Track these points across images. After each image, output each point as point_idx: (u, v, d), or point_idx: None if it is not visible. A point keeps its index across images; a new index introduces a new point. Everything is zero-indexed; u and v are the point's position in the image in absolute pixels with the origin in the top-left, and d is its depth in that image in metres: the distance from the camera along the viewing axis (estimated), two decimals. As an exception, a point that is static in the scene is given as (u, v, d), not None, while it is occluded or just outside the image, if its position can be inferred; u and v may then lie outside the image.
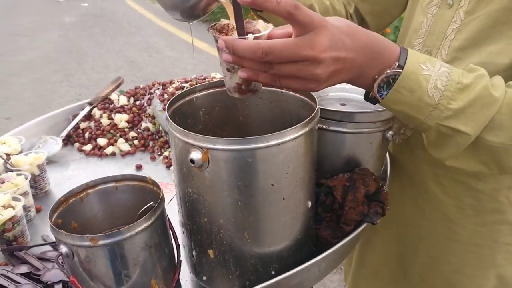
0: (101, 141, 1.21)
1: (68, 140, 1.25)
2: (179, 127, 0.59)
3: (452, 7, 0.72)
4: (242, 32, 0.56)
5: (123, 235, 0.57)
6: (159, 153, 1.17)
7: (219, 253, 0.64)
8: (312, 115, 0.62)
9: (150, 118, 1.23)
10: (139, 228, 0.58)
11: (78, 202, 0.67)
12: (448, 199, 0.81)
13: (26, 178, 0.94)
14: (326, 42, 0.52)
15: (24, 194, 0.91)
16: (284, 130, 0.57)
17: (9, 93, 4.78)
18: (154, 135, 1.22)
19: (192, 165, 0.57)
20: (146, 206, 0.64)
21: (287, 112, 0.75)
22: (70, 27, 7.49)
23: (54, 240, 0.83)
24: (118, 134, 1.23)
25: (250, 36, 0.55)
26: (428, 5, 0.77)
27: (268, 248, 0.64)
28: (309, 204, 0.67)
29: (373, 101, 0.62)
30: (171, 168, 1.11)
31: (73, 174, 1.14)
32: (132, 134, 1.22)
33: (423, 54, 0.60)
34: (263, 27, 0.59)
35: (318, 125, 0.67)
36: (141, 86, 1.36)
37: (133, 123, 1.25)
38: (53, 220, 0.60)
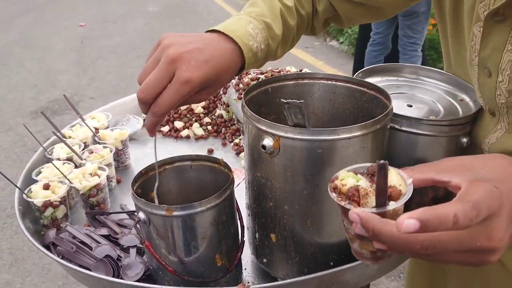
0: (178, 124, 1.28)
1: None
2: (254, 114, 0.62)
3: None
4: (383, 203, 0.45)
5: (195, 209, 0.61)
6: (230, 140, 1.22)
7: (281, 238, 0.67)
8: (385, 112, 0.62)
9: (224, 106, 1.29)
10: (210, 205, 0.63)
11: (154, 176, 0.73)
12: None
13: (111, 151, 1.03)
14: (504, 224, 0.43)
15: (108, 165, 1.01)
16: (356, 125, 0.58)
17: (96, 75, 5.15)
18: (226, 122, 1.28)
19: (264, 150, 0.60)
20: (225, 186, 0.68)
21: (359, 109, 0.76)
22: (154, 16, 7.88)
23: (131, 209, 0.91)
24: (193, 119, 1.30)
25: (392, 204, 0.45)
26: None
27: (329, 239, 0.66)
28: (374, 200, 0.67)
29: None
30: (241, 155, 1.16)
31: (150, 152, 1.22)
32: (207, 119, 1.29)
33: None
34: (398, 181, 0.47)
35: (390, 124, 0.67)
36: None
37: (208, 110, 1.31)
38: (134, 189, 0.66)
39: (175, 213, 0.61)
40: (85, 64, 5.47)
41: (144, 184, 0.70)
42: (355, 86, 0.75)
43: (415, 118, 0.74)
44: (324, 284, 0.67)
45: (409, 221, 0.40)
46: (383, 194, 0.44)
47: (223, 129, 1.27)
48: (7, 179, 0.92)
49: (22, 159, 3.39)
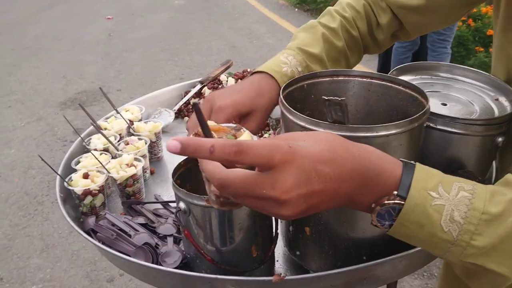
0: (208, 118, 1.31)
1: (179, 114, 1.37)
2: (292, 109, 0.64)
3: None
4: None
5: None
6: (259, 135, 1.24)
7: (315, 232, 0.69)
8: (423, 111, 0.63)
9: (254, 101, 1.30)
10: (248, 197, 0.65)
11: (193, 167, 0.76)
12: None
13: (146, 143, 1.06)
14: (291, 180, 0.44)
15: (143, 156, 1.04)
16: (393, 123, 0.59)
17: (122, 67, 5.24)
18: (256, 117, 1.29)
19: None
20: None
21: (394, 107, 0.76)
22: (179, 10, 7.95)
23: (165, 200, 0.94)
24: (223, 113, 1.32)
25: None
26: None
27: (363, 234, 0.67)
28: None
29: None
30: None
31: (182, 145, 1.25)
32: (236, 114, 1.31)
33: (437, 173, 0.50)
34: (247, 137, 0.55)
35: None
36: (248, 70, 1.43)
37: (238, 104, 1.33)
38: (174, 179, 0.69)
39: (215, 204, 0.63)
40: (112, 57, 5.58)
41: (182, 176, 0.73)
42: (390, 84, 0.76)
43: (450, 116, 0.74)
44: (356, 278, 0.68)
45: (172, 141, 0.43)
46: (205, 129, 0.49)
47: (252, 124, 1.28)
48: (50, 167, 0.97)
49: (52, 148, 3.50)
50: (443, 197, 0.47)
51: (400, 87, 0.75)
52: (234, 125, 0.58)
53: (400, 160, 0.50)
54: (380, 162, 0.49)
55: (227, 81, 1.38)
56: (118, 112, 1.23)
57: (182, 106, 1.38)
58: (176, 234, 0.80)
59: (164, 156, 1.19)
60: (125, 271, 0.79)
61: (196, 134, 0.54)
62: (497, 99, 0.83)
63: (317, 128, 0.60)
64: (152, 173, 1.11)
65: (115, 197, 1.02)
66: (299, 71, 0.80)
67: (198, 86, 1.41)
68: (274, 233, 0.74)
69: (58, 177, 0.97)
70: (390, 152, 0.61)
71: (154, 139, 1.13)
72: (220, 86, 1.38)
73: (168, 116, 1.32)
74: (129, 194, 0.96)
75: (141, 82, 4.76)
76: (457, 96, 0.85)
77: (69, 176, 0.94)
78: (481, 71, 0.86)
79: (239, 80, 1.38)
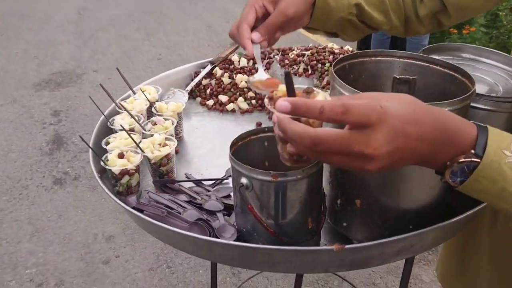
0: (223, 98, 1.32)
1: (190, 94, 1.38)
2: (345, 84, 0.67)
3: None
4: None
5: (296, 176, 0.67)
6: (267, 111, 1.27)
7: (365, 204, 0.73)
8: (472, 90, 0.67)
9: (268, 81, 1.33)
10: (309, 172, 0.68)
11: (243, 145, 0.78)
12: None
13: (173, 123, 1.07)
14: (383, 138, 0.48)
15: (171, 136, 1.05)
16: (449, 101, 0.63)
17: (96, 47, 5.09)
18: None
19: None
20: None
21: (431, 85, 0.81)
22: (152, -12, 7.74)
23: (195, 178, 0.96)
24: (237, 93, 1.34)
25: None
26: None
27: (412, 204, 0.72)
28: (452, 170, 0.73)
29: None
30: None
31: (199, 125, 1.26)
32: (251, 94, 1.33)
33: (507, 135, 0.53)
34: (322, 97, 0.57)
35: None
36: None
37: (252, 84, 1.35)
38: (231, 153, 0.71)
39: (280, 178, 0.66)
40: (85, 36, 5.40)
41: (235, 153, 0.75)
42: (426, 64, 0.80)
43: (483, 95, 0.79)
44: (405, 245, 0.73)
45: (282, 102, 0.48)
46: (292, 92, 0.53)
47: (267, 104, 1.31)
48: (89, 146, 0.96)
49: (31, 131, 3.39)
50: None
51: (437, 67, 0.79)
52: (305, 86, 0.61)
53: (473, 122, 0.54)
54: (457, 124, 0.53)
55: (239, 61, 1.39)
56: (134, 93, 1.23)
57: (194, 86, 1.38)
58: (224, 211, 0.82)
59: (184, 136, 1.20)
60: (181, 248, 0.80)
61: (271, 98, 0.58)
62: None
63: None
64: (176, 152, 1.11)
65: (143, 176, 1.03)
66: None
67: (209, 67, 1.41)
68: (323, 207, 0.78)
69: (91, 157, 0.96)
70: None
71: (177, 119, 1.14)
72: (231, 66, 1.39)
73: (182, 97, 1.32)
74: (162, 173, 0.98)
75: (117, 62, 4.65)
76: (481, 77, 0.90)
77: (105, 156, 0.94)
78: (503, 53, 0.92)
79: (251, 60, 1.39)
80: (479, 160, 0.51)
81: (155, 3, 6.70)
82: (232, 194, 0.92)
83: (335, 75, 0.71)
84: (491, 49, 0.93)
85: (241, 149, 0.77)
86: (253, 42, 0.79)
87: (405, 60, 0.79)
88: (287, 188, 0.68)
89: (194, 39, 5.31)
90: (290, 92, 0.54)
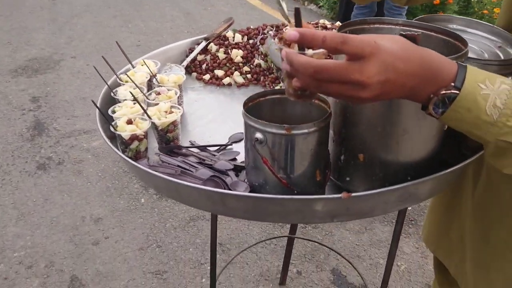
0: (219, 72, 1.36)
1: (186, 70, 1.41)
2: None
3: None
4: (302, 47, 0.61)
5: (309, 129, 0.72)
6: (271, 87, 1.32)
7: (368, 158, 0.79)
8: (464, 51, 0.74)
9: (262, 56, 1.37)
10: (320, 126, 0.74)
11: (253, 106, 0.83)
12: None
13: (176, 94, 1.10)
14: (375, 68, 0.55)
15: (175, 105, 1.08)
16: (451, 57, 0.70)
17: (72, 33, 4.99)
18: (265, 71, 1.37)
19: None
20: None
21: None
22: (126, -26, 7.59)
23: (200, 144, 1.01)
24: (233, 68, 1.38)
25: (309, 52, 0.61)
26: None
27: (410, 157, 0.79)
28: (446, 127, 0.80)
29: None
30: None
31: (198, 97, 1.30)
32: (246, 68, 1.37)
33: (483, 71, 0.62)
34: None
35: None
36: (251, 27, 1.49)
37: (247, 59, 1.40)
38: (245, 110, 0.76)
39: (294, 131, 0.72)
40: (60, 22, 5.28)
41: (248, 112, 0.80)
42: (425, 31, 0.86)
43: (470, 57, 0.86)
44: (405, 194, 0.80)
45: (291, 31, 0.56)
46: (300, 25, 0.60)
47: (261, 78, 1.36)
48: (97, 107, 0.98)
49: (10, 117, 3.34)
50: (488, 88, 0.60)
51: (433, 33, 0.86)
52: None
53: (455, 61, 0.63)
54: (441, 62, 0.61)
55: (233, 37, 1.43)
56: (133, 67, 1.25)
57: (189, 62, 1.42)
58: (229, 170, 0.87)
59: (184, 108, 1.23)
60: (192, 204, 0.85)
61: (280, 38, 0.65)
62: (500, 46, 0.97)
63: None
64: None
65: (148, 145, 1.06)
66: None
67: (204, 43, 1.45)
68: (328, 162, 0.84)
69: (99, 123, 0.99)
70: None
71: (178, 91, 1.17)
72: (226, 42, 1.43)
73: (179, 71, 1.35)
74: (169, 139, 1.01)
75: (95, 48, 4.58)
76: (469, 45, 0.97)
77: (114, 122, 0.97)
78: (488, 23, 0.99)
79: (245, 36, 1.43)
80: (458, 92, 0.59)
81: (131, -10, 6.60)
82: (237, 157, 0.97)
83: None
84: (477, 20, 1.00)
85: (251, 109, 0.81)
86: None
87: (402, 27, 0.85)
88: (299, 141, 0.73)
89: (173, 26, 5.27)
90: (298, 25, 0.61)
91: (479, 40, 0.99)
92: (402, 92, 0.60)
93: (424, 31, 0.86)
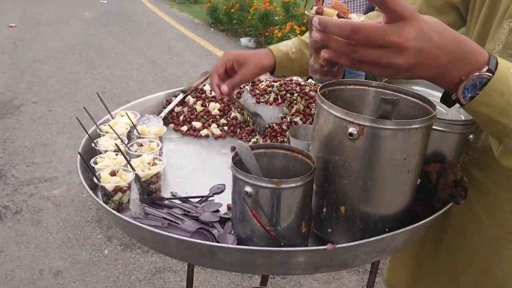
0: (197, 124, 1.40)
1: (163, 121, 1.44)
2: (339, 108, 0.79)
3: None
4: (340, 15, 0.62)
5: (298, 183, 0.76)
6: (247, 139, 1.37)
7: (350, 210, 0.84)
8: (435, 113, 0.82)
9: (239, 109, 1.43)
10: (307, 180, 0.78)
11: (240, 159, 0.86)
12: (506, 214, 0.95)
13: (158, 145, 1.12)
14: (413, 32, 0.55)
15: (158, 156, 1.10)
16: (423, 118, 0.77)
17: (34, 78, 4.94)
18: (241, 124, 1.42)
19: (350, 137, 0.77)
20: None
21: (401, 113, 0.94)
22: (91, 22, 7.68)
23: (182, 196, 1.02)
24: (210, 120, 1.42)
25: (353, 15, 0.64)
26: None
27: (388, 210, 0.84)
28: (419, 181, 0.87)
29: (449, 103, 0.69)
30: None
31: (176, 148, 1.32)
32: (223, 121, 1.42)
33: (508, 62, 0.65)
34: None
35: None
36: (227, 81, 1.55)
37: (224, 112, 1.44)
38: (234, 164, 0.79)
39: (282, 185, 0.75)
40: (21, 67, 5.21)
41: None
42: (396, 93, 0.93)
43: (444, 118, 0.95)
44: (383, 245, 0.84)
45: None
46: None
47: (238, 130, 1.41)
48: (86, 163, 0.98)
49: (-36, 164, 3.19)
50: None
51: (402, 95, 0.94)
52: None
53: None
54: (473, 44, 0.62)
55: (211, 90, 1.49)
56: (112, 117, 1.27)
57: (167, 113, 1.45)
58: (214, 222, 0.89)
59: (164, 159, 1.25)
60: (178, 257, 0.85)
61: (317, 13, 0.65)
62: (460, 107, 1.07)
63: (366, 123, 0.76)
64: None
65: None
66: (293, 52, 1.10)
67: (181, 95, 1.49)
68: (309, 214, 0.87)
69: (81, 175, 0.99)
70: (416, 142, 0.79)
71: (160, 142, 1.19)
72: (203, 95, 1.48)
73: (157, 122, 1.37)
74: (151, 191, 1.02)
75: (58, 94, 4.53)
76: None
77: (97, 174, 0.97)
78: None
79: (222, 90, 1.49)
80: (491, 75, 0.61)
81: (96, 37, 6.66)
82: (219, 208, 0.99)
83: (322, 97, 0.83)
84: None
85: (239, 162, 0.84)
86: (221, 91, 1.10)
87: (376, 88, 0.93)
88: (287, 194, 0.77)
89: (139, 74, 5.32)
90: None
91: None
92: (434, 68, 0.59)
93: (397, 94, 0.94)
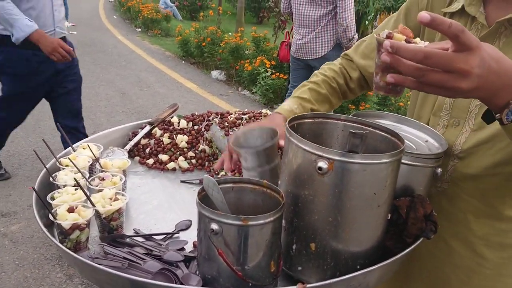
0: (163, 157, 1.36)
1: (128, 154, 1.39)
2: (309, 142, 0.77)
3: None
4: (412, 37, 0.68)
5: (266, 219, 0.73)
6: (216, 172, 1.33)
7: (320, 247, 0.81)
8: (402, 148, 0.81)
9: (207, 142, 1.40)
10: (276, 216, 0.75)
11: (206, 194, 0.83)
12: (477, 239, 0.98)
13: (121, 179, 1.07)
14: (477, 61, 0.62)
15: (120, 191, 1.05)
16: (392, 152, 0.76)
17: None
18: (209, 157, 1.38)
19: (319, 171, 0.75)
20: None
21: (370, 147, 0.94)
22: (60, 53, 7.56)
23: (145, 233, 0.97)
24: (178, 153, 1.38)
25: (421, 42, 0.68)
26: None
27: (359, 246, 0.82)
28: (389, 216, 0.85)
29: (490, 120, 0.75)
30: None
31: (142, 182, 1.27)
32: (191, 154, 1.38)
33: None
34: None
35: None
36: (196, 113, 1.52)
37: (192, 145, 1.41)
38: (200, 201, 0.76)
39: (250, 222, 0.72)
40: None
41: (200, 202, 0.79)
42: (364, 126, 0.93)
43: (413, 152, 0.94)
44: (356, 283, 0.81)
45: (424, 13, 0.60)
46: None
47: (206, 163, 1.37)
48: (41, 199, 0.92)
49: None
50: None
51: (371, 129, 0.93)
52: None
53: None
54: None
55: (179, 122, 1.46)
56: (74, 150, 1.21)
57: (132, 146, 1.40)
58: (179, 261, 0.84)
59: (127, 193, 1.19)
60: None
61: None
62: (426, 141, 1.08)
63: (335, 157, 0.75)
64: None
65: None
66: (295, 107, 1.13)
67: (148, 127, 1.45)
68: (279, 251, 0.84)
69: (36, 211, 0.93)
70: (385, 176, 0.78)
71: (123, 176, 1.14)
72: (171, 128, 1.45)
73: (122, 155, 1.32)
74: (112, 228, 0.97)
75: (21, 125, 4.37)
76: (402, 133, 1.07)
77: (54, 210, 0.91)
78: (413, 120, 1.10)
79: (190, 122, 1.46)
80: None
81: (64, 68, 6.54)
82: (185, 246, 0.95)
83: (291, 131, 0.81)
84: (406, 117, 1.11)
85: (205, 198, 0.81)
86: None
87: (345, 122, 0.93)
88: (255, 232, 0.73)
89: (107, 105, 5.24)
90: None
91: (408, 136, 1.09)
92: (489, 91, 0.66)
93: (366, 127, 0.94)
